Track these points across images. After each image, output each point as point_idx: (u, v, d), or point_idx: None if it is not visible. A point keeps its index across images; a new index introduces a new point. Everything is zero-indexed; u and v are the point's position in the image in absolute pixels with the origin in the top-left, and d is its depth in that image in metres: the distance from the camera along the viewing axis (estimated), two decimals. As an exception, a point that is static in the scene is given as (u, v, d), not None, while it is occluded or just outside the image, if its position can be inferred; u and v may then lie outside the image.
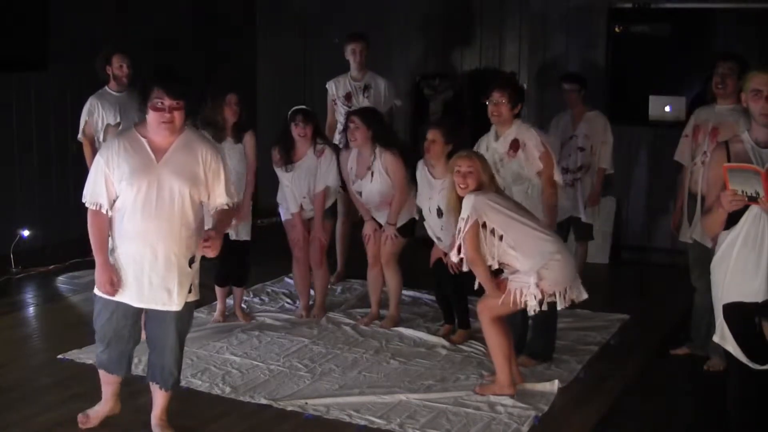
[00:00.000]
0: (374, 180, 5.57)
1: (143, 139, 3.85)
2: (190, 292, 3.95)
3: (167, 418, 4.15)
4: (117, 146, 3.85)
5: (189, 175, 3.85)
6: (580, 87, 6.57)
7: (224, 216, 4.00)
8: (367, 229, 5.72)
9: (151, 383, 4.11)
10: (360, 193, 5.68)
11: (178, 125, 3.82)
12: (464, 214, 4.37)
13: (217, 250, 3.87)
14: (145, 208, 3.80)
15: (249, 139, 5.66)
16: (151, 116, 3.80)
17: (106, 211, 3.86)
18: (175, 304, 3.89)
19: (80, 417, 4.21)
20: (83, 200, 3.92)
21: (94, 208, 3.87)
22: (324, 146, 5.75)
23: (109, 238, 3.92)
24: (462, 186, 4.45)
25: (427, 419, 4.32)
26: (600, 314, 6.01)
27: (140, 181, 3.79)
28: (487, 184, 4.47)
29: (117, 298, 3.91)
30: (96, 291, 3.96)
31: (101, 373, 4.18)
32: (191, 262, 3.92)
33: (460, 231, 4.39)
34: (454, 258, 4.51)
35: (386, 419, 4.30)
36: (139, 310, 3.99)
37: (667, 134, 7.04)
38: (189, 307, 4.00)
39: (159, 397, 4.11)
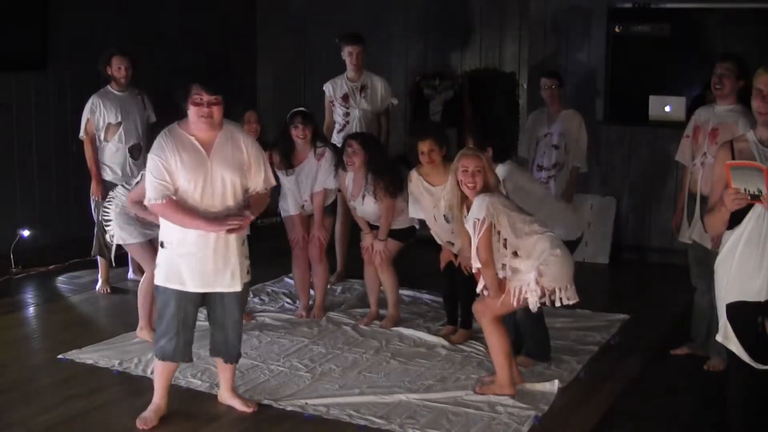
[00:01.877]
0: (365, 203, 5.61)
1: (191, 137, 4.10)
2: (249, 273, 4.29)
3: (235, 388, 4.51)
4: (170, 145, 4.08)
5: (237, 164, 4.13)
6: (559, 83, 6.60)
7: (260, 199, 4.27)
8: (366, 241, 5.73)
9: (216, 359, 4.44)
10: (355, 209, 5.74)
11: (217, 120, 4.10)
12: (478, 215, 4.30)
13: (245, 231, 4.20)
14: (204, 200, 4.08)
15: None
16: (192, 111, 4.07)
17: (173, 197, 4.06)
18: (237, 285, 4.20)
19: (139, 422, 4.24)
20: (149, 202, 4.10)
21: (163, 201, 4.05)
22: (324, 149, 5.76)
23: (164, 231, 4.17)
24: (470, 185, 4.38)
25: (427, 419, 4.31)
26: (600, 314, 6.01)
27: (197, 176, 4.05)
28: (493, 184, 4.45)
29: (182, 287, 4.14)
30: (162, 284, 4.16)
31: (161, 365, 4.28)
32: (244, 242, 4.25)
33: (475, 232, 4.32)
34: (476, 264, 4.43)
35: (386, 419, 4.30)
36: (201, 296, 4.21)
37: (667, 134, 7.04)
38: (246, 287, 4.34)
39: (224, 371, 4.45)
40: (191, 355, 4.37)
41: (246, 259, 4.26)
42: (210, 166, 4.07)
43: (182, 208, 4.07)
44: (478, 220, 4.30)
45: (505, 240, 4.35)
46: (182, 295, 4.16)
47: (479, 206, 4.32)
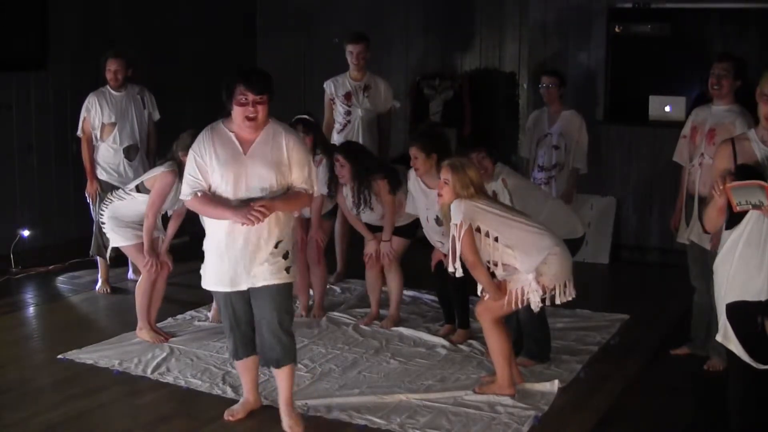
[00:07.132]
0: (366, 209, 5.60)
1: (230, 133, 4.03)
2: (288, 272, 4.07)
3: (292, 404, 4.24)
4: (208, 141, 4.03)
5: (275, 162, 4.00)
6: (559, 82, 6.59)
7: (293, 196, 4.05)
8: (370, 248, 5.73)
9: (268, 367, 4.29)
10: (359, 216, 5.71)
11: (261, 119, 3.98)
12: (456, 220, 4.36)
13: (257, 220, 3.88)
14: (236, 197, 3.96)
15: None
16: (236, 111, 3.96)
17: (206, 191, 4.00)
18: (260, 280, 4.03)
19: (226, 413, 4.32)
20: (184, 197, 4.09)
21: (198, 195, 4.00)
22: (322, 157, 5.75)
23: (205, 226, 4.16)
24: (439, 194, 4.48)
25: (427, 419, 4.31)
26: (600, 314, 6.02)
27: (229, 172, 3.97)
28: (474, 193, 4.40)
29: (214, 287, 4.14)
30: (209, 287, 4.17)
31: (236, 364, 4.36)
32: (277, 244, 4.04)
33: (454, 238, 4.37)
34: (451, 269, 4.45)
35: (386, 419, 4.30)
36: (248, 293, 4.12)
37: (667, 134, 7.03)
38: (284, 288, 4.10)
39: (277, 380, 4.24)
40: (250, 350, 4.24)
41: (281, 258, 4.04)
42: (246, 163, 3.97)
43: (210, 199, 3.99)
44: (456, 224, 4.35)
45: (496, 237, 4.36)
46: (226, 294, 4.14)
47: (455, 211, 4.38)
